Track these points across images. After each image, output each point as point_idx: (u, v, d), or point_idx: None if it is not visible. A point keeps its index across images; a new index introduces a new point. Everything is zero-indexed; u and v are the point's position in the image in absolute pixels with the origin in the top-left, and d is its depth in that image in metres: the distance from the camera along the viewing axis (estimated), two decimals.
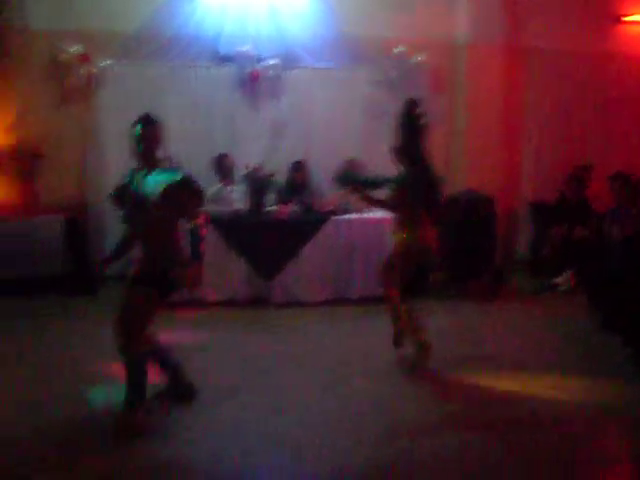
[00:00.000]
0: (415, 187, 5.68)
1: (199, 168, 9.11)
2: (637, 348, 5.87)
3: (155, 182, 4.54)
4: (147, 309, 4.61)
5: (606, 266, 7.22)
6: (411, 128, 5.77)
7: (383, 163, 9.50)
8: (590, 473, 4.15)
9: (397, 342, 6.04)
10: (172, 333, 6.63)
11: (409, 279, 5.83)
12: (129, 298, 4.62)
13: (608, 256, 7.39)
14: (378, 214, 8.22)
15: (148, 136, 4.70)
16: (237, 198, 8.29)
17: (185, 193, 4.63)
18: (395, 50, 9.50)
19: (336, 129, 9.49)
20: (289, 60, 9.32)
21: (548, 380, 5.55)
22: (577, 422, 4.76)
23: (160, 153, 4.79)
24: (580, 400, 5.14)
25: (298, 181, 8.73)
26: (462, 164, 9.81)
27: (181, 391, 4.98)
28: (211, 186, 8.76)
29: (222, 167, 8.68)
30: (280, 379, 5.52)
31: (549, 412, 4.91)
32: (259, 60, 9.17)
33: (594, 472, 4.17)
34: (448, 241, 8.15)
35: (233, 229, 7.76)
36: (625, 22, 10.44)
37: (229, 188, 8.54)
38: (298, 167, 8.81)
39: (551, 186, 10.19)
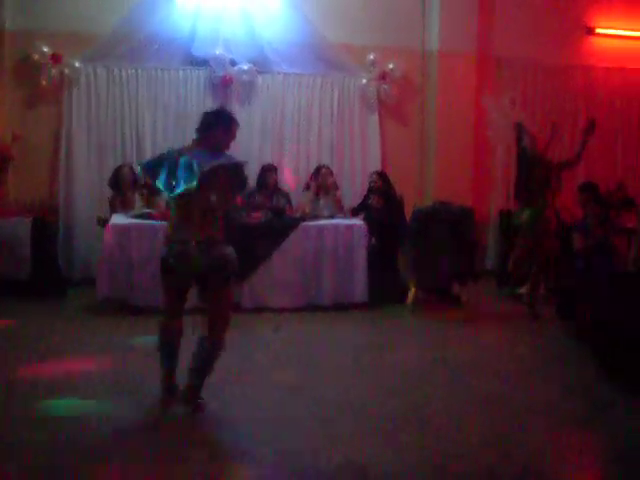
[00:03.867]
0: None
1: None
2: (604, 359, 5.94)
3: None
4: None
5: (571, 277, 7.34)
6: None
7: (353, 169, 9.71)
8: None
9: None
10: (140, 338, 6.69)
11: None
12: (222, 290, 4.71)
13: (573, 267, 7.49)
14: (346, 219, 8.28)
15: (233, 133, 4.79)
16: None
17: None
18: (368, 57, 9.56)
19: (308, 134, 9.56)
20: (262, 65, 9.36)
21: (515, 390, 5.58)
22: (548, 432, 4.81)
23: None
24: (547, 410, 5.17)
25: (269, 185, 8.74)
26: (432, 172, 9.89)
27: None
28: None
29: None
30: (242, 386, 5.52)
31: (517, 420, 4.94)
32: (232, 64, 9.18)
33: None
34: (425, 253, 8.23)
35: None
36: (596, 34, 10.57)
37: None
38: (269, 171, 8.81)
39: None
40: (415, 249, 8.20)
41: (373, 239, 8.30)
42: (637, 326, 5.59)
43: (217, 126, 4.69)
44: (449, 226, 8.17)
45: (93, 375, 5.61)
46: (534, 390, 5.55)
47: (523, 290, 8.73)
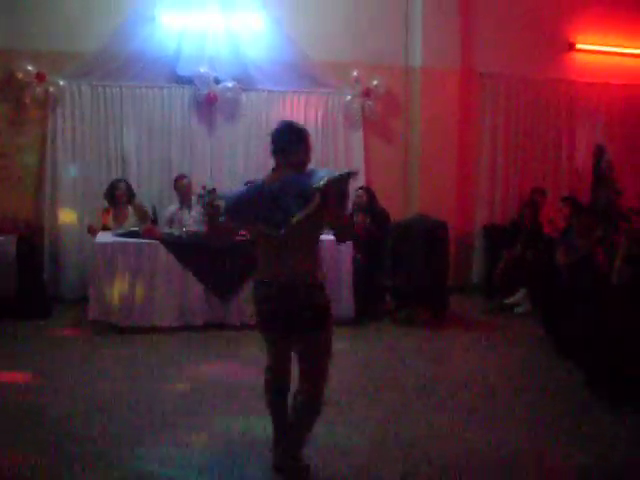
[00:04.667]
0: None
1: (156, 189, 9.24)
2: (588, 374, 5.98)
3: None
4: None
5: (555, 290, 7.38)
6: None
7: None
8: None
9: None
10: (125, 358, 6.69)
11: None
12: (320, 339, 4.05)
13: (557, 280, 7.53)
14: (330, 235, 8.28)
15: (309, 146, 4.24)
16: (193, 220, 8.30)
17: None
18: (351, 73, 9.62)
19: None
20: (246, 82, 9.40)
21: (499, 401, 5.65)
22: (529, 440, 4.84)
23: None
24: (530, 419, 5.24)
25: None
26: (416, 187, 9.94)
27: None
28: (167, 208, 8.82)
29: (179, 189, 8.70)
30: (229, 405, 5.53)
31: (498, 430, 4.97)
32: (217, 82, 9.22)
33: None
34: (402, 267, 8.28)
35: (188, 251, 7.75)
36: (577, 49, 10.68)
37: (185, 210, 8.57)
38: None
39: (504, 210, 10.41)
40: (392, 261, 8.27)
41: (359, 256, 8.34)
42: (620, 341, 5.65)
43: (300, 143, 4.15)
44: (422, 238, 8.22)
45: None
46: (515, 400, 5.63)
47: (511, 300, 8.83)
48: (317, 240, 4.11)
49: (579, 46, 10.65)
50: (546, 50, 10.47)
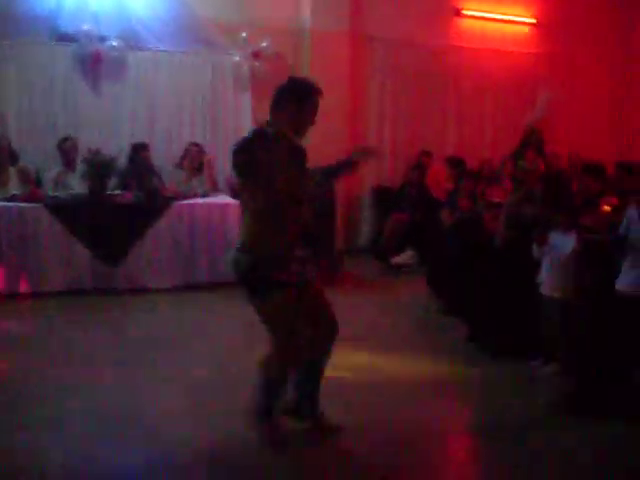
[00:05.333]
0: None
1: (41, 151, 8.90)
2: (471, 327, 6.26)
3: None
4: None
5: (441, 251, 7.57)
6: None
7: (227, 147, 9.61)
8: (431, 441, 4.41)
9: None
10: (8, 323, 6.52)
11: None
12: (260, 309, 3.99)
13: (443, 241, 7.71)
14: (221, 198, 8.25)
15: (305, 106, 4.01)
16: (78, 183, 8.08)
17: None
18: (240, 35, 9.51)
19: (180, 113, 9.46)
20: (133, 41, 9.13)
21: (390, 360, 5.79)
22: (418, 397, 5.02)
23: None
24: (418, 377, 5.43)
25: (141, 164, 8.58)
26: (307, 151, 9.91)
27: None
28: (51, 170, 8.54)
29: (63, 151, 8.43)
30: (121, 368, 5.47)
31: (389, 390, 5.13)
32: (102, 40, 8.90)
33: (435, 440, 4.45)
34: None
35: (74, 215, 7.55)
36: (464, 15, 10.88)
37: (70, 173, 8.31)
38: (141, 150, 8.66)
39: (392, 173, 10.58)
40: None
41: None
42: (500, 299, 5.89)
43: (291, 102, 3.97)
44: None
45: None
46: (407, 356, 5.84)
47: (398, 260, 8.98)
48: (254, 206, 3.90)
49: (465, 12, 10.84)
50: (433, 15, 10.65)
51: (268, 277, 3.86)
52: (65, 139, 8.49)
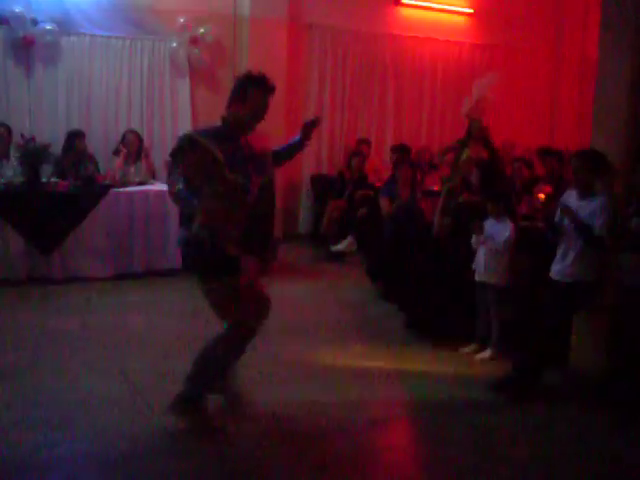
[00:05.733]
0: None
1: None
2: (409, 314, 6.38)
3: None
4: None
5: (379, 239, 7.63)
6: None
7: (164, 134, 9.55)
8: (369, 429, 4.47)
9: None
10: None
11: None
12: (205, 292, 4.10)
13: (381, 229, 7.77)
14: (158, 186, 8.16)
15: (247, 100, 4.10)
16: (12, 171, 7.88)
17: None
18: (178, 21, 9.40)
19: (117, 99, 9.31)
20: (67, 25, 8.94)
21: (329, 347, 5.84)
22: (357, 384, 5.10)
23: None
24: (358, 364, 5.50)
25: (77, 152, 8.41)
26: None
27: None
28: None
29: None
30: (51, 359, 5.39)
31: (329, 377, 5.19)
32: (34, 23, 8.69)
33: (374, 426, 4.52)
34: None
35: (7, 203, 7.37)
36: (402, 4, 10.93)
37: (5, 161, 8.09)
38: (76, 137, 8.49)
39: (330, 160, 10.61)
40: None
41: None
42: (437, 286, 5.98)
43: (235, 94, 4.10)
44: None
45: None
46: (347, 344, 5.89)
47: (338, 247, 8.99)
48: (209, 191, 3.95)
49: (404, 1, 10.89)
50: (373, 4, 10.71)
51: (224, 258, 3.91)
52: None
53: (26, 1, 8.65)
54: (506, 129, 10.66)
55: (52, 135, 8.33)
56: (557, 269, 4.96)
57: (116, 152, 8.70)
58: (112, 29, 9.17)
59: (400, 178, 8.37)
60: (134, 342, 5.80)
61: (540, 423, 4.55)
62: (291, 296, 7.44)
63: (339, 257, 9.06)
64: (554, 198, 6.42)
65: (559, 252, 4.97)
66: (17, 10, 8.58)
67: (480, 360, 5.59)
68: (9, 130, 8.18)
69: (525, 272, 5.62)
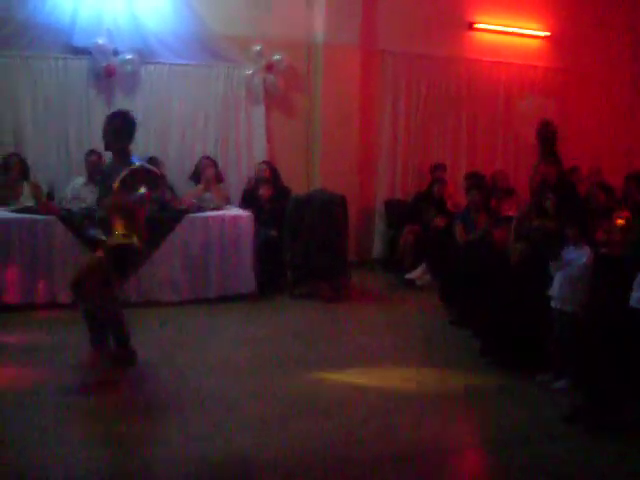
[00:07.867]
0: None
1: (53, 165, 8.94)
2: (484, 340, 6.25)
3: None
4: None
5: (454, 266, 7.56)
6: None
7: (239, 161, 9.68)
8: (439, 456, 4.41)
9: None
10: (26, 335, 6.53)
11: None
12: None
13: (456, 257, 7.71)
14: (233, 211, 8.27)
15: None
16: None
17: None
18: (253, 48, 9.55)
19: (193, 127, 9.48)
20: (146, 55, 9.18)
21: (400, 373, 5.79)
22: (429, 409, 5.07)
23: None
24: (431, 389, 5.46)
25: None
26: (318, 163, 9.98)
27: None
28: (73, 182, 8.59)
29: (88, 164, 8.49)
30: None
31: (402, 401, 5.17)
32: (115, 54, 8.96)
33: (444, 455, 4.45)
34: (300, 240, 8.31)
35: (85, 227, 7.53)
36: (476, 29, 10.89)
37: (91, 186, 8.23)
38: (152, 164, 8.65)
39: (404, 186, 10.58)
40: (290, 235, 8.30)
41: (274, 231, 8.38)
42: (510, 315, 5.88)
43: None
44: (321, 212, 8.26)
45: None
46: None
47: (412, 275, 8.95)
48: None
49: (478, 25, 10.85)
50: (446, 28, 10.65)
51: None
52: (91, 152, 8.52)
53: (108, 33, 8.90)
54: (586, 155, 10.49)
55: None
56: (637, 297, 4.83)
57: (192, 177, 8.86)
58: (189, 57, 9.35)
59: (472, 204, 8.33)
60: (204, 366, 5.85)
61: (614, 458, 4.40)
62: (365, 320, 7.44)
63: (412, 283, 9.00)
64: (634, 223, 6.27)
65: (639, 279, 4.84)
66: (100, 42, 8.84)
67: (556, 389, 5.46)
68: (99, 156, 8.38)
69: (603, 300, 5.48)
